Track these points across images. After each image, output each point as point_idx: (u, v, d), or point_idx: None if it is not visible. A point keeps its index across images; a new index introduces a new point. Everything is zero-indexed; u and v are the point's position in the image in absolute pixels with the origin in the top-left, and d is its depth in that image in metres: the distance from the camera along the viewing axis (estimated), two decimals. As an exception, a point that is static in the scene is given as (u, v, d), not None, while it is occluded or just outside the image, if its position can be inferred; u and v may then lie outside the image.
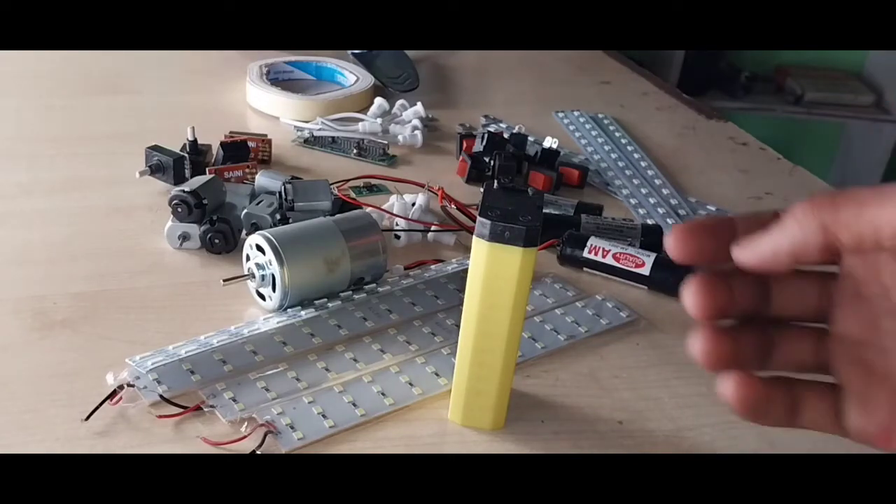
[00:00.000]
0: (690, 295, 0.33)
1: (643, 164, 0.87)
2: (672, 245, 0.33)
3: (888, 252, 0.30)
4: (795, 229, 0.30)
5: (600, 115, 0.98)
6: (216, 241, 0.64)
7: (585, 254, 0.67)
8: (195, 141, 0.75)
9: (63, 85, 0.95)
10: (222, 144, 0.76)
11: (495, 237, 0.45)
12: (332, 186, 0.70)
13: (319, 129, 0.86)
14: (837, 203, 0.29)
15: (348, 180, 0.76)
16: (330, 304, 0.59)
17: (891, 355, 0.32)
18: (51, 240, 0.65)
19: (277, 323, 0.57)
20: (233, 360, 0.53)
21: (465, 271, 0.47)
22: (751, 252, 0.32)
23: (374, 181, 0.78)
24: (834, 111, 2.06)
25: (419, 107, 0.91)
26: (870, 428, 0.32)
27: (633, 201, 0.80)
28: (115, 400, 0.48)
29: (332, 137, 0.85)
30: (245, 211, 0.66)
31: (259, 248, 0.57)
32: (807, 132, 2.16)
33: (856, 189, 0.29)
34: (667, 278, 0.65)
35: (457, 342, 0.49)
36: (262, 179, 0.71)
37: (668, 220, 0.76)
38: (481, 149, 0.81)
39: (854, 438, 0.33)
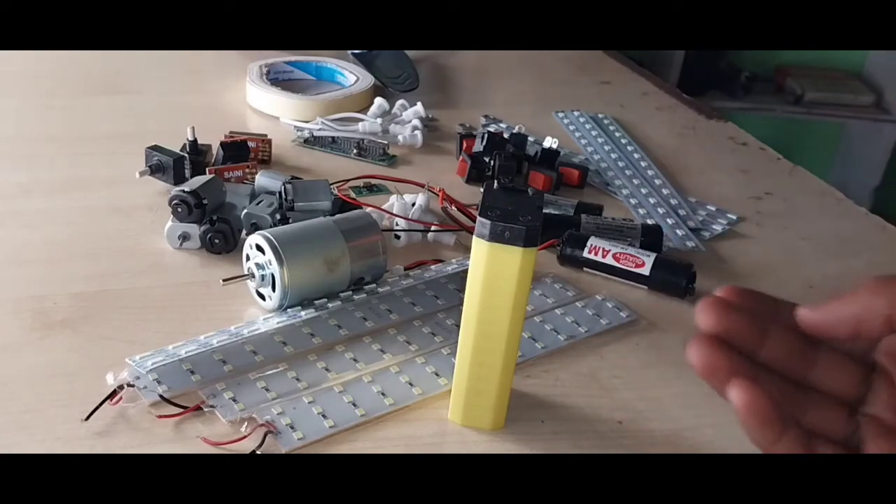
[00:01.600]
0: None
1: (643, 164, 0.87)
2: (705, 321, 0.34)
3: None
4: (863, 299, 0.32)
5: (600, 115, 0.98)
6: (216, 241, 0.64)
7: (585, 254, 0.67)
8: (195, 141, 0.75)
9: (63, 85, 0.95)
10: (222, 144, 0.76)
11: (495, 237, 0.45)
12: (332, 186, 0.70)
13: (319, 129, 0.86)
14: None
15: (348, 180, 0.76)
16: (330, 305, 0.59)
17: None
18: (51, 240, 0.65)
19: (277, 323, 0.57)
20: (233, 360, 0.53)
21: (465, 271, 0.47)
22: (816, 313, 0.33)
23: (374, 181, 0.78)
24: (834, 111, 2.06)
25: (419, 107, 0.91)
26: None
27: (633, 201, 0.80)
28: (115, 400, 0.48)
29: (332, 137, 0.85)
30: (245, 211, 0.66)
31: (259, 247, 0.57)
32: (807, 132, 2.16)
33: None
34: (667, 278, 0.65)
35: (457, 342, 0.49)
36: (262, 179, 0.71)
37: (668, 220, 0.76)
38: (481, 149, 0.81)
39: None
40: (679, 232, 0.74)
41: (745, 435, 0.53)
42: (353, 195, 0.74)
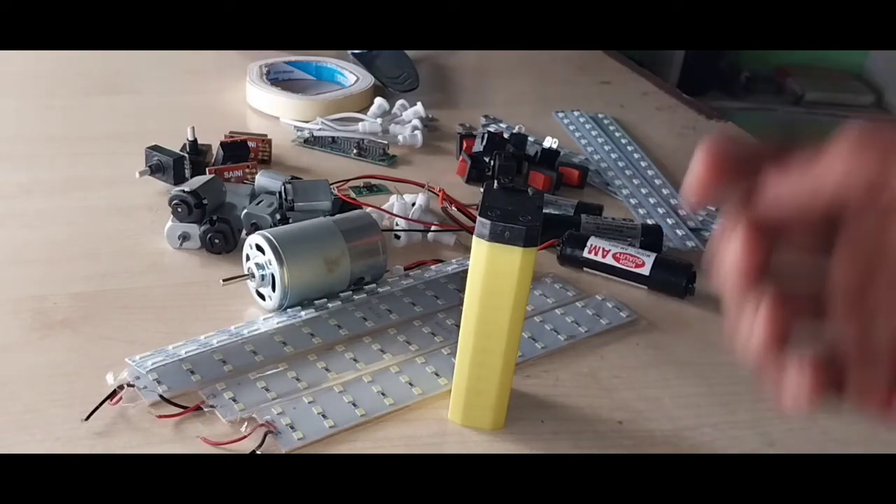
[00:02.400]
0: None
1: (643, 164, 0.87)
2: (699, 177, 0.30)
3: None
4: (845, 161, 0.27)
5: (600, 115, 0.98)
6: (216, 241, 0.64)
7: (585, 254, 0.66)
8: (195, 141, 0.75)
9: (63, 85, 0.95)
10: (222, 144, 0.76)
11: (495, 237, 0.45)
12: (332, 186, 0.70)
13: (319, 129, 0.86)
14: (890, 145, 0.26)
15: (348, 180, 0.76)
16: (330, 305, 0.59)
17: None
18: (51, 240, 0.65)
19: (277, 323, 0.57)
20: (233, 360, 0.53)
21: (465, 271, 0.47)
22: (789, 186, 0.28)
23: (374, 181, 0.78)
24: (834, 111, 2.06)
25: (419, 107, 0.91)
26: None
27: (633, 201, 0.80)
28: (115, 400, 0.48)
29: (332, 137, 0.85)
30: (245, 211, 0.66)
31: (259, 247, 0.57)
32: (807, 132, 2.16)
33: None
34: (667, 278, 0.65)
35: (457, 342, 0.49)
36: (262, 179, 0.71)
37: (668, 220, 0.76)
38: (481, 149, 0.81)
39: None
40: (679, 232, 0.74)
41: (745, 435, 0.53)
42: (353, 195, 0.74)
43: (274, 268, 0.56)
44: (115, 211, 0.70)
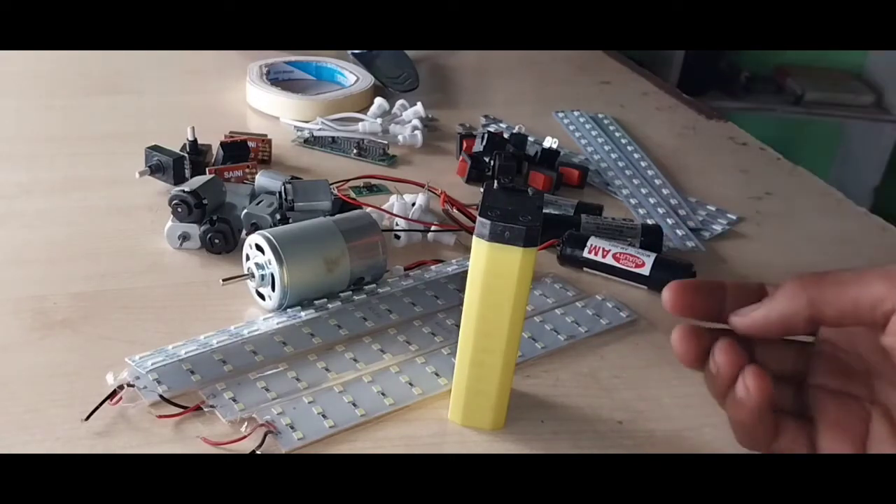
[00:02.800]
0: (676, 342, 0.38)
1: (643, 164, 0.87)
2: (668, 300, 0.37)
3: (865, 327, 0.34)
4: (785, 303, 0.35)
5: (600, 115, 0.98)
6: (216, 241, 0.64)
7: (585, 254, 0.67)
8: (195, 141, 0.75)
9: (63, 85, 0.95)
10: (222, 144, 0.76)
11: (495, 237, 0.45)
12: (332, 186, 0.70)
13: (319, 129, 0.86)
14: (823, 282, 0.34)
15: (348, 180, 0.76)
16: (330, 305, 0.59)
17: (863, 398, 0.37)
18: (51, 240, 0.65)
19: (277, 323, 0.57)
20: (233, 360, 0.53)
21: (466, 271, 0.47)
22: (746, 320, 0.36)
23: (374, 181, 0.78)
24: (834, 111, 2.06)
25: (419, 107, 0.91)
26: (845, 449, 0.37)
27: (633, 201, 0.80)
28: (115, 400, 0.48)
29: (332, 137, 0.85)
30: (245, 211, 0.66)
31: (258, 247, 0.57)
32: (807, 132, 2.16)
33: (838, 271, 0.34)
34: (667, 278, 0.65)
35: (457, 342, 0.49)
36: (262, 179, 0.71)
37: (668, 220, 0.76)
38: (481, 149, 0.81)
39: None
40: (679, 232, 0.74)
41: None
42: (353, 195, 0.74)
43: (274, 268, 0.56)
44: (115, 211, 0.70)
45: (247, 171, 0.74)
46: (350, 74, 0.98)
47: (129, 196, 0.72)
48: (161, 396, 0.49)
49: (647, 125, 0.98)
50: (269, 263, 0.57)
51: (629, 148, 0.90)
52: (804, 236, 0.78)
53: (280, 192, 0.67)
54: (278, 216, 0.65)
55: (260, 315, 0.58)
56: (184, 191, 0.64)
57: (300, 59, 1.00)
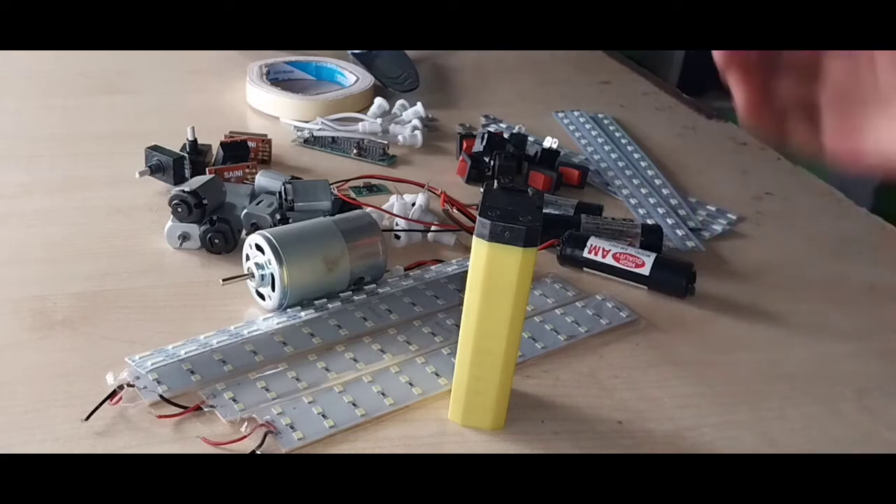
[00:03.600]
0: None
1: (643, 164, 0.87)
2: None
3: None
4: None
5: (600, 115, 0.98)
6: (216, 241, 0.64)
7: (585, 254, 0.67)
8: (195, 141, 0.75)
9: (63, 85, 0.95)
10: (222, 144, 0.76)
11: (495, 237, 0.45)
12: (332, 186, 0.70)
13: (319, 129, 0.86)
14: None
15: (348, 180, 0.76)
16: (330, 305, 0.59)
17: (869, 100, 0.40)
18: (51, 240, 0.65)
19: (277, 323, 0.57)
20: (233, 360, 0.53)
21: (466, 272, 0.47)
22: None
23: (374, 181, 0.78)
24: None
25: (419, 107, 0.91)
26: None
27: (633, 201, 0.80)
28: (115, 400, 0.48)
29: (332, 137, 0.85)
30: (245, 211, 0.66)
31: (258, 247, 0.57)
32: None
33: None
34: (667, 278, 0.65)
35: (457, 342, 0.49)
36: (262, 179, 0.71)
37: (668, 220, 0.76)
38: (481, 149, 0.81)
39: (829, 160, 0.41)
40: (679, 232, 0.74)
41: (744, 435, 0.53)
42: (353, 195, 0.74)
43: (273, 268, 0.56)
44: (115, 211, 0.70)
45: (247, 171, 0.74)
46: (350, 74, 0.98)
47: (129, 196, 0.72)
48: (161, 396, 0.49)
49: (647, 125, 0.98)
50: (269, 263, 0.57)
51: (629, 148, 0.90)
52: (804, 236, 0.78)
53: (280, 192, 0.67)
54: (278, 216, 0.65)
55: (260, 315, 0.58)
56: (184, 191, 0.64)
57: (300, 59, 1.00)
